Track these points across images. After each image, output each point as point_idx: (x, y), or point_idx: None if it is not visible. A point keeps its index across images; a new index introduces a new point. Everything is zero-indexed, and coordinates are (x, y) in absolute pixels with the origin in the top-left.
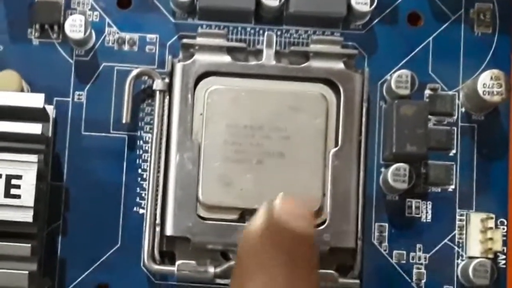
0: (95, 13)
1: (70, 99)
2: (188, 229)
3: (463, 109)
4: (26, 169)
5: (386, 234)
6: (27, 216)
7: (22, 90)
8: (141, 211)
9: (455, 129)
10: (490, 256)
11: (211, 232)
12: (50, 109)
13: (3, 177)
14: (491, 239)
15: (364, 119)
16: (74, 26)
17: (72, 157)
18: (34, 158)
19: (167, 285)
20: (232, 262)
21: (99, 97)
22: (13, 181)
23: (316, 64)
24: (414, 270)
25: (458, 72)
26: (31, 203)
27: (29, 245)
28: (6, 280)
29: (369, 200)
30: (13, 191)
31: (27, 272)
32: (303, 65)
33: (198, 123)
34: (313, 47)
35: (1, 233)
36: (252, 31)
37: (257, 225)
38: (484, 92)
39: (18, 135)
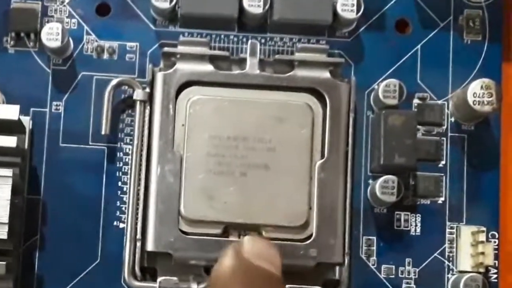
0: (73, 20)
1: (47, 109)
2: (170, 244)
3: (452, 119)
4: (0, 184)
5: (374, 248)
6: (2, 233)
7: None
8: (121, 225)
9: (445, 139)
10: (482, 270)
11: (194, 247)
12: (27, 120)
13: None
14: (482, 253)
15: (351, 130)
16: (51, 34)
17: (50, 170)
18: (8, 172)
19: None
20: None
21: (77, 107)
22: None
23: (301, 73)
24: (404, 285)
25: (447, 81)
26: (5, 219)
27: (4, 262)
28: None
29: (356, 213)
30: None
31: None
32: (288, 74)
33: (180, 134)
34: (298, 56)
35: None
36: (236, 39)
37: (226, 265)
38: (475, 102)
39: None
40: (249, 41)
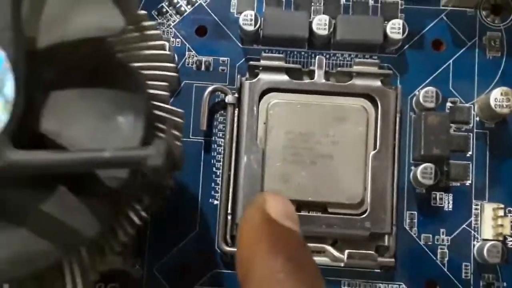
0: (177, 40)
1: None
2: None
3: (477, 119)
4: None
5: (416, 221)
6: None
7: None
8: (215, 202)
9: (471, 134)
10: (501, 238)
11: None
12: None
13: None
14: (501, 225)
15: (397, 127)
16: None
17: None
18: None
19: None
20: None
21: (181, 108)
22: None
23: (358, 82)
24: (439, 250)
25: (473, 89)
26: None
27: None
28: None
29: (401, 193)
30: None
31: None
32: (347, 83)
33: (262, 130)
34: (356, 68)
35: None
36: (306, 55)
37: (251, 223)
38: (496, 105)
39: None
40: (317, 57)
